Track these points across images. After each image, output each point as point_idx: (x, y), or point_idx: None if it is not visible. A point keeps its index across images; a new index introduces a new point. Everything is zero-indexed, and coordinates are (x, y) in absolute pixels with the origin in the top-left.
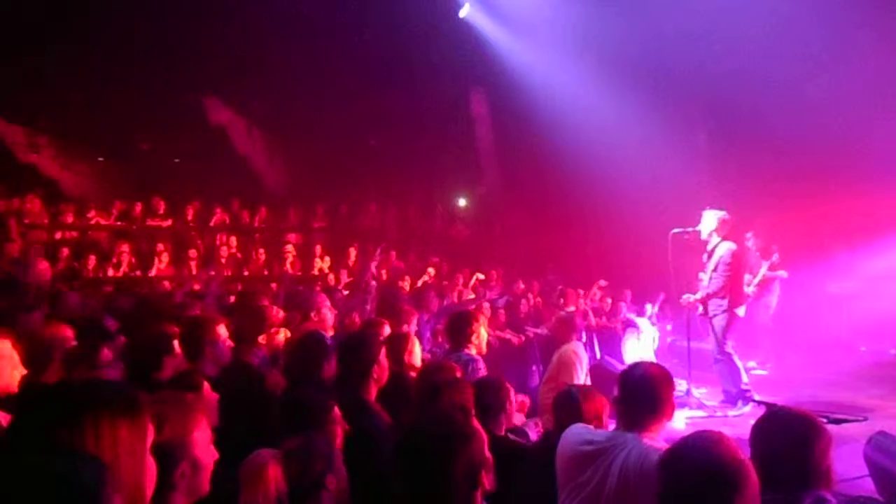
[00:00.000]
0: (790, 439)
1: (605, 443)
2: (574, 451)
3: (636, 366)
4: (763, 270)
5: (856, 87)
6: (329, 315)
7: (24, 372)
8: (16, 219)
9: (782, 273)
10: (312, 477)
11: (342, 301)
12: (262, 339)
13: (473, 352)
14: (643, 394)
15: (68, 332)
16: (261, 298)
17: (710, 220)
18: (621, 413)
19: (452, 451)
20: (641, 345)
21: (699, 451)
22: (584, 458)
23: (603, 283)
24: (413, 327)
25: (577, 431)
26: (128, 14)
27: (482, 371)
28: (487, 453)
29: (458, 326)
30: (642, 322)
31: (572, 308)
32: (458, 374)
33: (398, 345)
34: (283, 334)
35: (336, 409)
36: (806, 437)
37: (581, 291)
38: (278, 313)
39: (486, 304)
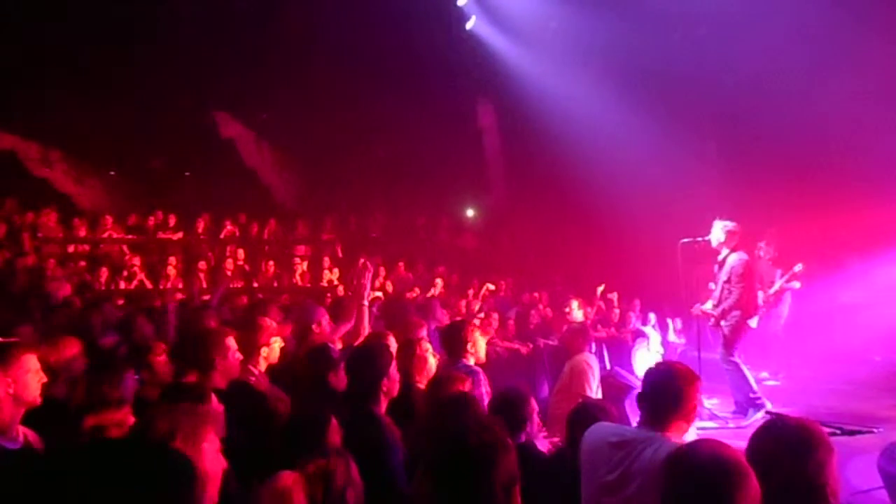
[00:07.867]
0: (787, 449)
1: (633, 437)
2: (601, 442)
3: (663, 364)
4: (780, 281)
5: (867, 95)
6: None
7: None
8: (30, 233)
9: (795, 284)
10: (335, 496)
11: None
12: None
13: (472, 361)
14: (668, 392)
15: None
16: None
17: (717, 232)
18: (645, 410)
19: (494, 460)
20: (652, 354)
21: (702, 455)
22: (610, 448)
23: (600, 288)
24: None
25: (604, 427)
26: (137, 30)
27: (482, 383)
28: (517, 469)
29: (451, 336)
30: (648, 331)
31: (581, 317)
32: (468, 385)
33: (403, 356)
34: (278, 343)
35: (333, 422)
36: (802, 448)
37: (589, 310)
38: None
39: (495, 315)
